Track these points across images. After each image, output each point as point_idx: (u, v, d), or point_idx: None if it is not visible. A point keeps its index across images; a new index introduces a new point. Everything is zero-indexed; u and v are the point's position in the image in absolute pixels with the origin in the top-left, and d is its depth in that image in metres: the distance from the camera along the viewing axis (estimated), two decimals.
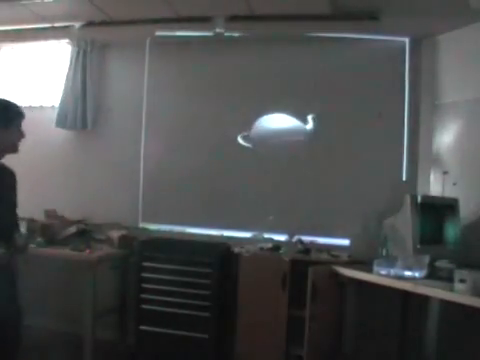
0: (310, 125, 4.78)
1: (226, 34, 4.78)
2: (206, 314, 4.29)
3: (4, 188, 2.98)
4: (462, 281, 3.09)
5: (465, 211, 3.97)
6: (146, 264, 4.46)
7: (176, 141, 5.07)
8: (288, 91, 4.83)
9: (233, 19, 4.60)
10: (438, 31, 4.48)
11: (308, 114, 4.78)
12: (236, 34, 4.87)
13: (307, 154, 4.77)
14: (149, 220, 5.07)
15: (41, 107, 5.48)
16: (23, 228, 4.47)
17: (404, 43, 4.68)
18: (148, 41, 5.12)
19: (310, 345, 3.88)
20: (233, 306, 4.38)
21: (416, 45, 4.65)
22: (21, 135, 3.00)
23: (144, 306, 4.41)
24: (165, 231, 4.99)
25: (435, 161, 4.48)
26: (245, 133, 4.91)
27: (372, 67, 4.68)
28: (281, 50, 4.87)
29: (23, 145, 5.15)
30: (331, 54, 4.77)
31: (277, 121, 4.88)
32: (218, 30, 4.73)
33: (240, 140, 4.91)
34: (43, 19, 4.84)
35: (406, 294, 3.92)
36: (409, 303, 4.17)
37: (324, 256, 4.35)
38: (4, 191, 2.97)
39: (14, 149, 2.99)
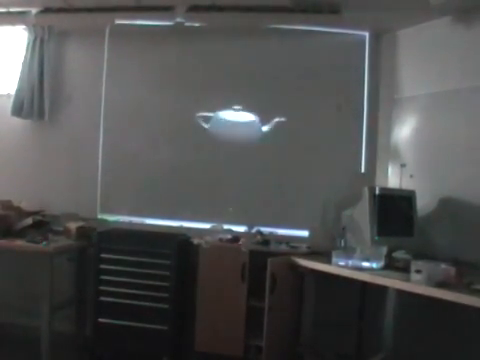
0: (268, 127, 4.80)
1: (187, 24, 4.74)
2: (165, 306, 4.26)
3: None
4: (418, 272, 3.15)
5: (421, 203, 4.05)
6: (104, 256, 4.40)
7: (135, 131, 5.01)
8: (248, 82, 4.85)
9: (194, 9, 4.57)
10: (398, 26, 4.56)
11: (267, 105, 4.81)
12: (197, 24, 4.84)
13: (267, 146, 4.79)
14: (107, 211, 5.01)
15: None
16: None
17: (364, 37, 4.73)
18: (108, 29, 5.04)
19: (269, 335, 3.90)
20: (192, 297, 4.37)
21: (376, 40, 4.73)
22: None
23: (102, 298, 4.36)
24: (124, 222, 4.94)
25: (393, 154, 4.56)
26: (206, 114, 4.90)
27: (332, 60, 4.73)
28: (242, 41, 4.89)
29: None
30: (291, 46, 4.81)
31: (236, 116, 4.87)
32: (179, 20, 4.69)
33: (199, 119, 4.89)
34: None
35: (364, 284, 3.98)
36: (367, 293, 4.22)
37: (283, 247, 4.40)
38: None
39: None
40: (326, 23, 4.59)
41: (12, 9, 4.84)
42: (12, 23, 5.06)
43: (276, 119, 4.79)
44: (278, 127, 4.78)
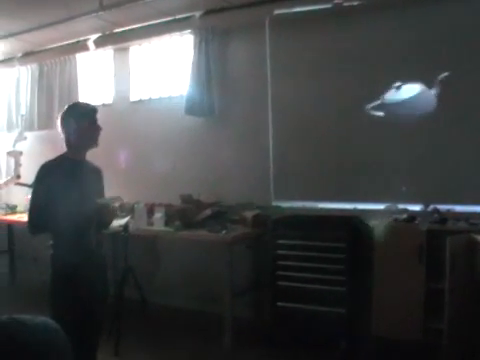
0: (437, 89, 4.47)
1: (345, 4, 4.64)
2: (341, 289, 4.26)
3: (87, 185, 2.96)
4: None
5: None
6: (280, 242, 4.52)
7: (303, 117, 5.01)
8: (415, 57, 4.54)
9: None
10: None
11: (434, 72, 4.46)
12: (355, 2, 4.69)
13: (438, 120, 4.48)
14: (281, 198, 5.08)
15: (170, 97, 5.76)
16: (160, 213, 4.76)
17: None
18: (267, 21, 5.10)
19: (450, 318, 3.71)
20: (368, 280, 4.30)
21: None
22: (96, 129, 2.99)
23: (280, 283, 4.48)
24: (297, 208, 4.98)
25: None
26: (375, 103, 4.75)
27: None
28: (402, 14, 4.60)
29: (155, 135, 5.51)
30: (458, 11, 4.40)
31: (406, 90, 4.64)
32: (337, 1, 4.62)
33: (371, 110, 4.75)
34: (165, 13, 5.07)
35: None
36: None
37: (462, 225, 4.13)
38: (87, 188, 2.95)
39: (91, 143, 3.00)
40: None
41: (178, 16, 5.18)
42: (179, 29, 5.43)
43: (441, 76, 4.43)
44: (446, 93, 4.43)
